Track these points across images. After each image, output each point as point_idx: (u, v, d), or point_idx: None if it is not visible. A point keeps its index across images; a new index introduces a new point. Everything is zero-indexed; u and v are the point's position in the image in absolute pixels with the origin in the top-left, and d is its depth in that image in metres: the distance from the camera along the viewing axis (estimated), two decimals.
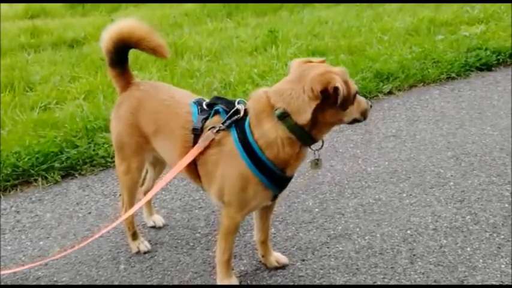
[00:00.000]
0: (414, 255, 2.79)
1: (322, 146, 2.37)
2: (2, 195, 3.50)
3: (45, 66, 6.36)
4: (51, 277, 2.70)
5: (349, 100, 2.17)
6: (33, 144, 3.86)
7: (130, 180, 2.69)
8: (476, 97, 4.81)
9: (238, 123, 2.26)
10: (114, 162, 3.76)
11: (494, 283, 2.57)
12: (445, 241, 2.89)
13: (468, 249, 2.82)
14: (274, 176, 2.27)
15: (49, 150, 3.79)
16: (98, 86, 5.23)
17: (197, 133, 2.33)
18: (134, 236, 2.88)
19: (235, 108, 2.29)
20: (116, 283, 2.63)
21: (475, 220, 3.05)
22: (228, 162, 2.28)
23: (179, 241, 2.99)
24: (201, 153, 2.31)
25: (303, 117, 2.15)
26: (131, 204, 2.74)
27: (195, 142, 2.33)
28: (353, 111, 2.27)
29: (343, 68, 2.23)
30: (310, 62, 2.29)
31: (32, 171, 3.66)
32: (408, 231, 3.00)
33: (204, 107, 2.39)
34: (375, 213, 3.18)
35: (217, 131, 2.28)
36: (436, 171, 3.61)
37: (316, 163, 2.46)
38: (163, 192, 3.45)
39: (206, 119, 2.35)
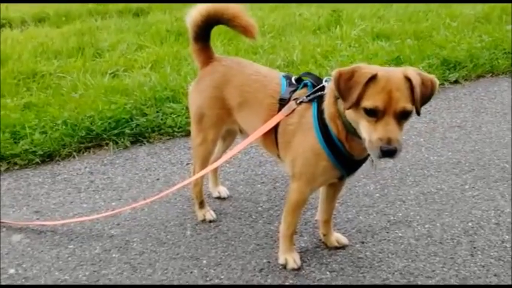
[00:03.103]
0: (475, 247, 2.80)
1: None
2: (76, 156, 3.71)
3: (112, 33, 6.58)
4: (123, 236, 2.87)
5: None
6: (105, 109, 4.05)
7: (205, 151, 2.81)
8: None
9: (321, 98, 2.34)
10: (180, 132, 3.95)
11: None
12: (507, 236, 2.88)
13: None
14: (340, 154, 2.32)
15: (120, 116, 3.98)
16: (164, 57, 5.39)
17: (283, 103, 2.44)
18: (201, 205, 3.01)
19: (322, 84, 2.37)
20: (183, 248, 2.78)
21: None
22: (303, 135, 2.38)
23: (242, 213, 3.10)
24: (283, 121, 2.42)
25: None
26: (203, 175, 2.87)
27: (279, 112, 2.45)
28: None
29: None
30: None
31: (104, 136, 3.86)
32: (469, 224, 3.00)
33: (293, 81, 2.51)
34: (436, 202, 3.19)
35: (300, 103, 2.38)
36: (501, 166, 3.57)
37: (372, 163, 2.43)
38: (227, 165, 3.57)
39: (294, 91, 2.46)
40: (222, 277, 2.57)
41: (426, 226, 2.98)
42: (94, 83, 4.72)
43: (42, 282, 2.51)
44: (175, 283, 2.52)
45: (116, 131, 3.89)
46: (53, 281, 2.52)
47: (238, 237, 2.88)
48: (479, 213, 3.08)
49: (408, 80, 2.06)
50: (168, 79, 4.67)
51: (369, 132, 2.07)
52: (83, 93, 4.51)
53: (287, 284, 2.53)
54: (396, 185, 3.36)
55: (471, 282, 2.55)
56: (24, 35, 6.73)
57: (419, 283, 2.54)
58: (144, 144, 3.90)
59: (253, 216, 3.07)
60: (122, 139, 3.87)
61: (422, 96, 2.09)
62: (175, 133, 3.98)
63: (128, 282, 2.52)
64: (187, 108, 3.50)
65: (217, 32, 5.93)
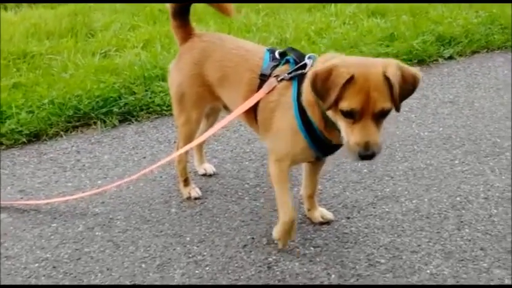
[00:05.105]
0: (462, 222, 2.77)
1: None
2: (63, 135, 3.69)
3: (106, 13, 6.49)
4: (108, 214, 2.85)
5: None
6: (93, 88, 4.01)
7: (189, 131, 2.77)
8: None
9: (302, 77, 2.27)
10: (169, 110, 3.91)
11: None
12: (495, 211, 2.85)
13: None
14: (316, 137, 2.28)
15: (108, 95, 3.94)
16: (155, 36, 5.32)
17: (264, 79, 2.38)
18: (186, 182, 2.98)
19: (304, 62, 2.29)
20: (167, 225, 2.76)
21: None
22: (282, 113, 2.33)
23: (228, 190, 3.08)
24: (264, 98, 2.37)
25: None
26: (187, 152, 2.85)
27: (259, 88, 2.39)
28: None
29: None
30: None
31: (92, 115, 3.82)
32: (458, 198, 2.96)
33: (277, 55, 2.43)
34: (424, 178, 3.16)
35: (280, 80, 2.32)
36: (493, 141, 3.52)
37: None
38: (214, 143, 3.55)
39: (276, 66, 2.39)
40: (205, 254, 2.56)
41: (414, 201, 2.95)
42: (84, 63, 4.67)
43: (24, 261, 2.51)
44: (157, 260, 2.51)
45: (104, 110, 3.85)
46: (34, 260, 2.52)
47: (223, 214, 2.86)
48: (468, 188, 3.05)
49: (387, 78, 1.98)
50: (158, 58, 4.62)
51: (347, 134, 2.04)
52: (73, 73, 4.46)
53: (270, 259, 2.52)
54: (385, 161, 3.32)
55: (456, 256, 2.52)
56: (18, 17, 6.66)
57: (403, 258, 2.52)
58: (132, 122, 3.87)
59: (239, 193, 3.05)
60: (110, 118, 3.84)
61: (402, 93, 2.01)
62: (164, 111, 3.94)
63: (110, 260, 2.51)
64: None
65: (211, 10, 5.85)
